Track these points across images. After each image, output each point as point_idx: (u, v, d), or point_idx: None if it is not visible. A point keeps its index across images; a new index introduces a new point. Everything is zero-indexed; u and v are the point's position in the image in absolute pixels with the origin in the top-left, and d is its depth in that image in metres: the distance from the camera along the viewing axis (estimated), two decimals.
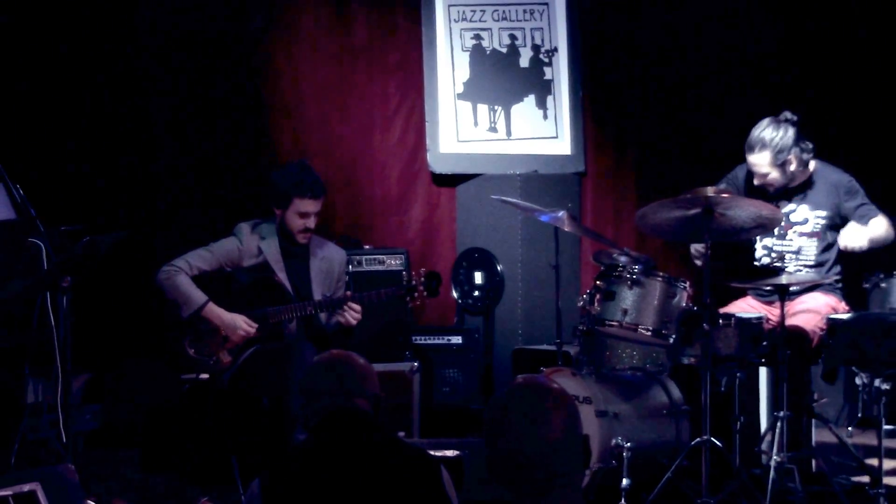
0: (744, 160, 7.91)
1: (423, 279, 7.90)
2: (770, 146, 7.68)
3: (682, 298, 7.48)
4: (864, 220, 7.78)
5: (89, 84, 9.84)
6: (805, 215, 7.86)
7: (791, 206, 7.86)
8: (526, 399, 3.52)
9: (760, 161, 7.72)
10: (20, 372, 7.63)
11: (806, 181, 7.87)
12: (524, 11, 10.20)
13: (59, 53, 9.72)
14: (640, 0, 10.39)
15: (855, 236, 7.69)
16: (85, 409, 8.72)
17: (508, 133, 10.20)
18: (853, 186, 7.86)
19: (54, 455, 7.10)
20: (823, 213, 7.84)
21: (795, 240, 7.88)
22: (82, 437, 8.29)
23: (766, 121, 7.76)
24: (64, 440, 7.08)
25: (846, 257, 8.01)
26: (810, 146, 7.82)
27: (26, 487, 5.77)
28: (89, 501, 6.25)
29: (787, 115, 7.78)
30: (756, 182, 7.83)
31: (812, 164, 7.88)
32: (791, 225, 7.87)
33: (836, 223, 7.83)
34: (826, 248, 7.90)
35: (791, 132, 7.71)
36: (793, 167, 7.75)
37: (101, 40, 9.88)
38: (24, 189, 7.07)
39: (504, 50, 10.20)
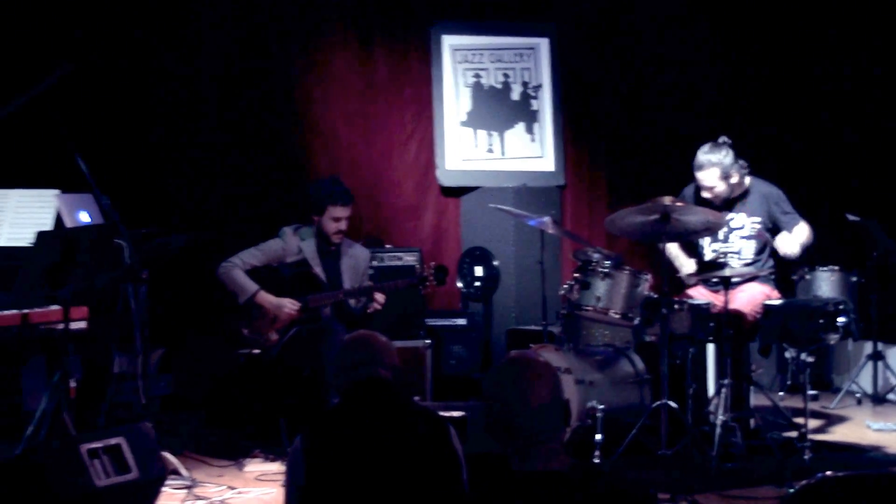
0: (691, 179, 7.96)
1: (433, 272, 7.91)
2: (716, 164, 7.74)
3: (645, 288, 7.55)
4: (789, 225, 7.87)
5: (161, 111, 9.85)
6: (743, 222, 7.90)
7: (731, 215, 7.88)
8: (516, 370, 3.55)
9: (709, 177, 7.77)
10: (108, 347, 7.65)
11: (743, 193, 7.91)
12: (515, 54, 10.24)
13: (129, 84, 9.69)
14: (609, 45, 10.45)
15: (789, 244, 7.78)
16: (160, 377, 8.69)
17: (503, 153, 10.22)
18: (781, 197, 7.93)
19: (135, 415, 7.08)
20: (758, 220, 7.88)
21: (736, 242, 7.92)
22: (158, 400, 8.41)
23: (707, 145, 7.81)
24: (143, 403, 7.13)
25: (778, 254, 8.10)
26: (745, 164, 7.89)
27: (113, 441, 5.78)
28: (163, 452, 6.29)
29: (724, 138, 7.84)
30: (704, 195, 7.84)
31: (747, 179, 7.94)
32: (732, 230, 7.92)
33: (769, 227, 7.91)
34: (761, 248, 7.95)
35: (728, 152, 7.77)
36: (734, 180, 7.80)
37: (163, 71, 9.87)
38: (110, 200, 7.16)
39: (499, 86, 10.24)
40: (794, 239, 7.82)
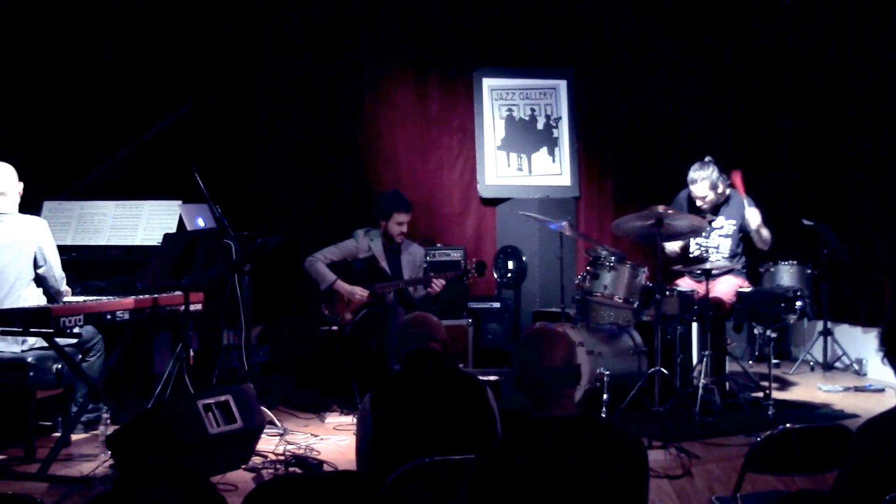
0: (683, 187, 7.94)
1: (474, 265, 7.96)
2: (706, 178, 7.73)
3: (642, 278, 7.53)
4: (748, 212, 7.85)
5: (259, 139, 9.90)
6: (723, 223, 7.87)
7: (713, 217, 7.86)
8: (538, 337, 3.55)
9: (701, 189, 7.76)
10: (218, 325, 7.73)
11: (724, 201, 7.89)
12: (540, 93, 10.19)
13: (236, 117, 9.74)
14: (616, 85, 10.41)
15: (755, 216, 7.74)
16: (259, 348, 8.76)
17: (530, 171, 10.18)
18: (750, 201, 7.91)
19: (240, 378, 7.14)
20: (734, 222, 7.86)
21: (716, 240, 7.90)
22: (257, 366, 8.43)
23: (697, 164, 7.80)
24: (246, 368, 7.18)
25: (749, 252, 8.07)
26: (727, 178, 7.87)
27: (222, 398, 5.83)
28: (261, 407, 6.30)
29: (708, 157, 7.84)
30: (697, 203, 7.83)
31: (728, 190, 7.94)
32: (713, 229, 7.90)
33: (742, 229, 7.87)
34: (737, 246, 7.93)
35: (714, 168, 7.75)
36: (720, 189, 7.79)
37: (260, 106, 9.92)
38: (221, 209, 7.23)
39: (527, 118, 10.19)
40: (757, 216, 7.78)
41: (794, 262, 8.88)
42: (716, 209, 7.89)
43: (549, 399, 3.45)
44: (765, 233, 7.77)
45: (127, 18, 9.15)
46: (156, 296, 6.50)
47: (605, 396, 7.09)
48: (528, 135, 10.22)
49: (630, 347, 7.64)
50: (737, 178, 7.82)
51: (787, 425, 4.31)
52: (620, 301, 7.51)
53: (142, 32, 9.22)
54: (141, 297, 6.44)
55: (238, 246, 7.09)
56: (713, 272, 7.48)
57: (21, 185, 6.43)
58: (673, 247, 8.03)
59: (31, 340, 6.26)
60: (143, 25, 9.22)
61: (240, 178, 9.59)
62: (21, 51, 8.80)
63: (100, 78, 9.05)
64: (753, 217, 7.75)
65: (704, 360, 7.33)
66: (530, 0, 10.28)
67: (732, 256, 7.90)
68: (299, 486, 4.00)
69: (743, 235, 7.93)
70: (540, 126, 10.23)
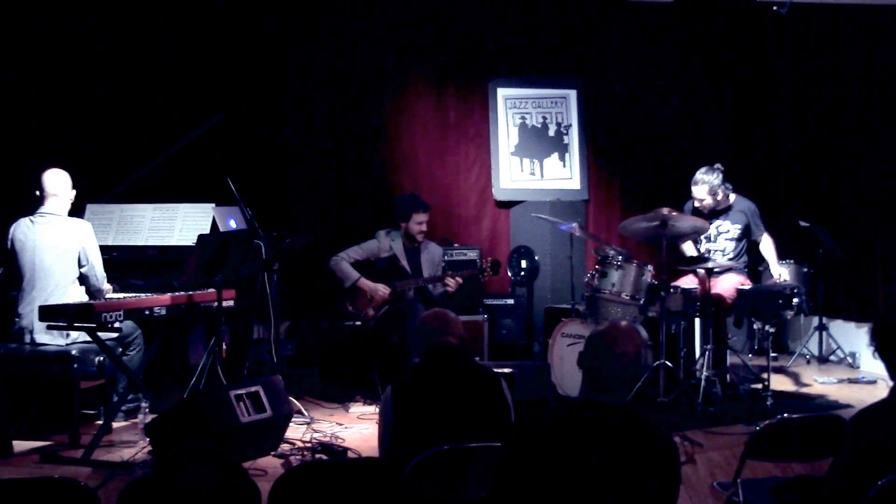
0: (689, 192, 7.95)
1: (490, 264, 7.95)
2: (707, 183, 7.73)
3: (648, 276, 7.55)
4: (757, 233, 7.88)
5: (287, 146, 9.91)
6: (728, 227, 7.87)
7: (719, 222, 7.86)
8: (618, 330, 3.44)
9: (700, 192, 7.77)
10: (249, 320, 7.76)
11: (729, 206, 7.88)
12: (551, 102, 10.19)
13: (264, 125, 9.77)
14: (623, 94, 10.40)
15: (780, 273, 7.86)
16: (287, 342, 8.79)
17: (542, 176, 10.16)
18: (756, 211, 7.90)
19: (269, 370, 7.16)
20: (739, 226, 7.85)
21: (722, 242, 7.89)
22: (286, 359, 8.47)
23: (704, 167, 7.81)
24: (275, 361, 7.20)
25: (750, 251, 8.07)
26: (730, 185, 7.86)
27: (253, 388, 5.91)
28: (289, 397, 6.36)
29: (717, 165, 7.83)
30: (695, 204, 7.85)
31: (732, 196, 7.91)
32: (720, 233, 7.89)
33: (746, 232, 7.87)
34: (739, 247, 7.92)
35: (719, 175, 7.74)
36: (719, 197, 7.78)
37: (287, 115, 9.94)
38: (252, 211, 7.25)
39: (539, 126, 10.18)
40: (779, 267, 7.90)
41: (792, 261, 8.89)
42: (717, 214, 7.87)
43: (605, 387, 3.37)
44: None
45: (157, 39, 9.22)
46: (191, 293, 6.52)
47: None
48: (540, 141, 10.21)
49: None
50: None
51: (785, 415, 4.31)
52: (627, 298, 7.52)
53: (176, 48, 9.28)
54: (177, 294, 6.47)
55: (267, 246, 7.09)
56: (715, 270, 7.49)
57: (74, 192, 6.57)
58: (690, 250, 8.04)
59: (75, 334, 6.33)
60: (174, 42, 9.28)
61: (268, 183, 9.59)
62: (74, 76, 8.94)
63: (139, 91, 9.12)
64: (777, 270, 7.86)
65: (706, 353, 7.33)
66: (542, 15, 10.26)
67: (735, 257, 7.89)
68: (325, 472, 4.02)
69: (746, 238, 7.94)
70: (551, 133, 10.22)
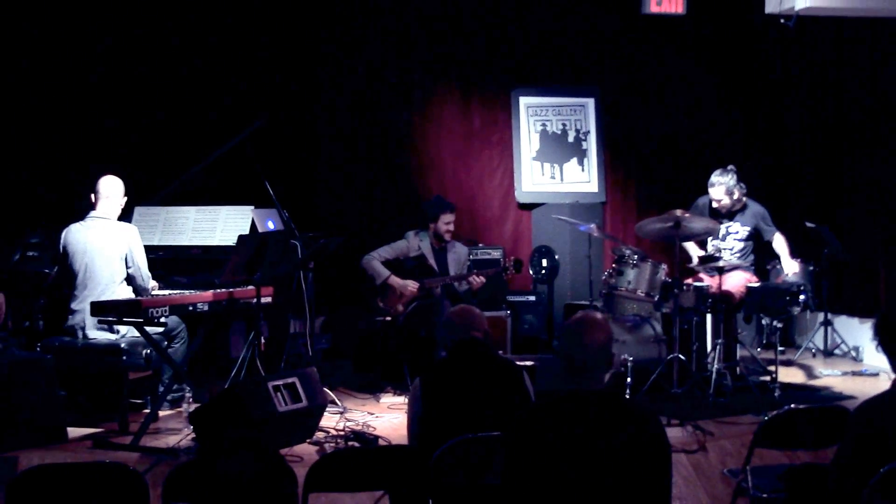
0: (703, 192, 7.90)
1: (512, 263, 7.95)
2: (723, 184, 7.69)
3: (662, 274, 7.51)
4: (768, 233, 7.85)
5: (323, 152, 9.92)
6: (738, 228, 7.82)
7: (729, 223, 7.82)
8: (585, 320, 3.49)
9: (718, 193, 7.72)
10: (286, 315, 7.74)
11: (741, 207, 7.84)
12: (570, 109, 10.15)
13: (302, 131, 9.77)
14: (638, 101, 10.37)
15: (791, 267, 7.82)
16: (322, 336, 8.80)
17: (561, 179, 10.11)
18: (766, 214, 7.86)
19: (305, 362, 7.16)
20: (749, 228, 7.81)
21: (731, 241, 7.84)
22: (320, 352, 8.49)
23: (720, 170, 7.75)
24: (310, 354, 7.23)
25: (758, 250, 8.05)
26: (744, 186, 7.83)
27: (290, 380, 5.92)
28: (324, 388, 6.36)
29: (731, 166, 7.79)
30: (713, 205, 7.81)
31: (744, 199, 7.89)
32: (729, 233, 7.85)
33: (756, 233, 7.84)
34: (749, 247, 7.88)
35: (733, 176, 7.70)
36: (736, 196, 7.74)
37: (323, 121, 9.95)
38: (288, 213, 7.28)
39: (559, 132, 10.13)
40: (791, 261, 7.85)
41: (799, 260, 8.81)
42: (732, 215, 7.84)
43: (582, 374, 3.40)
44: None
45: (197, 49, 9.26)
46: (231, 290, 6.54)
47: (628, 380, 7.05)
48: (560, 147, 10.16)
49: (651, 336, 7.58)
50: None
51: (792, 406, 4.31)
52: (643, 295, 7.49)
53: (214, 59, 9.31)
54: (218, 290, 6.49)
55: (303, 246, 7.11)
56: (726, 269, 7.43)
57: (125, 199, 6.67)
58: (692, 250, 8.02)
59: (124, 329, 6.40)
60: (213, 54, 9.31)
61: (304, 186, 9.61)
62: (120, 90, 9.00)
63: (183, 101, 9.16)
64: (790, 265, 7.82)
65: (717, 347, 7.29)
66: (562, 27, 10.22)
67: (742, 256, 7.85)
68: (357, 458, 4.07)
69: (753, 239, 7.90)
70: (570, 139, 10.17)
